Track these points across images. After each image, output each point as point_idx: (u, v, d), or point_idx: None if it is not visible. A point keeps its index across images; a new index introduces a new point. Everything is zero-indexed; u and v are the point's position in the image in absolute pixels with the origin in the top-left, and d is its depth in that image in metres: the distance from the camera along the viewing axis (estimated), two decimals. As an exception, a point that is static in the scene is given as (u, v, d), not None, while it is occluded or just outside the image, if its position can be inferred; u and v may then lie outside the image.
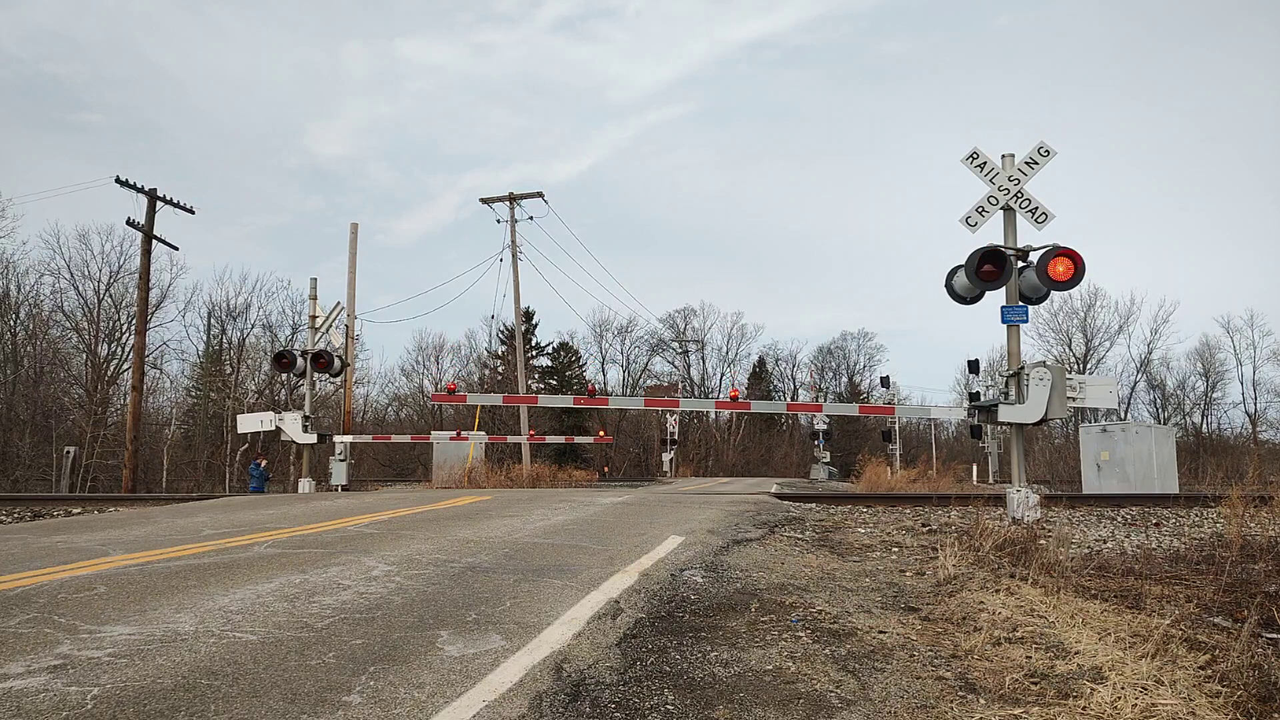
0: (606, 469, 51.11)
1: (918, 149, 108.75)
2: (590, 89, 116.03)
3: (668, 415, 52.01)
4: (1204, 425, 55.79)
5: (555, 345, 63.10)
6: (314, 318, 19.23)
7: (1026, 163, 11.00)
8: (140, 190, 26.31)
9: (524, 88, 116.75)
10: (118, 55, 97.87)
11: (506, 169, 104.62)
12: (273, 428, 18.65)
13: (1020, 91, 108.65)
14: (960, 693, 3.45)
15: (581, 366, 65.66)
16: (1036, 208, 10.94)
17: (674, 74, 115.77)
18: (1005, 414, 10.78)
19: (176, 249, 29.39)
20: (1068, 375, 10.83)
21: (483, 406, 43.55)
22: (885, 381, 47.66)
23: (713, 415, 68.70)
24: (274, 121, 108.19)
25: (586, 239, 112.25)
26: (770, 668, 3.73)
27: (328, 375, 20.83)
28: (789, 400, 76.80)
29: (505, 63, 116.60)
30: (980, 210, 11.06)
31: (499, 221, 31.18)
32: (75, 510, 12.38)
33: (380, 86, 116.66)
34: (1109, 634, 4.29)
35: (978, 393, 13.32)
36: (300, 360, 18.66)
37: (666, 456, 52.42)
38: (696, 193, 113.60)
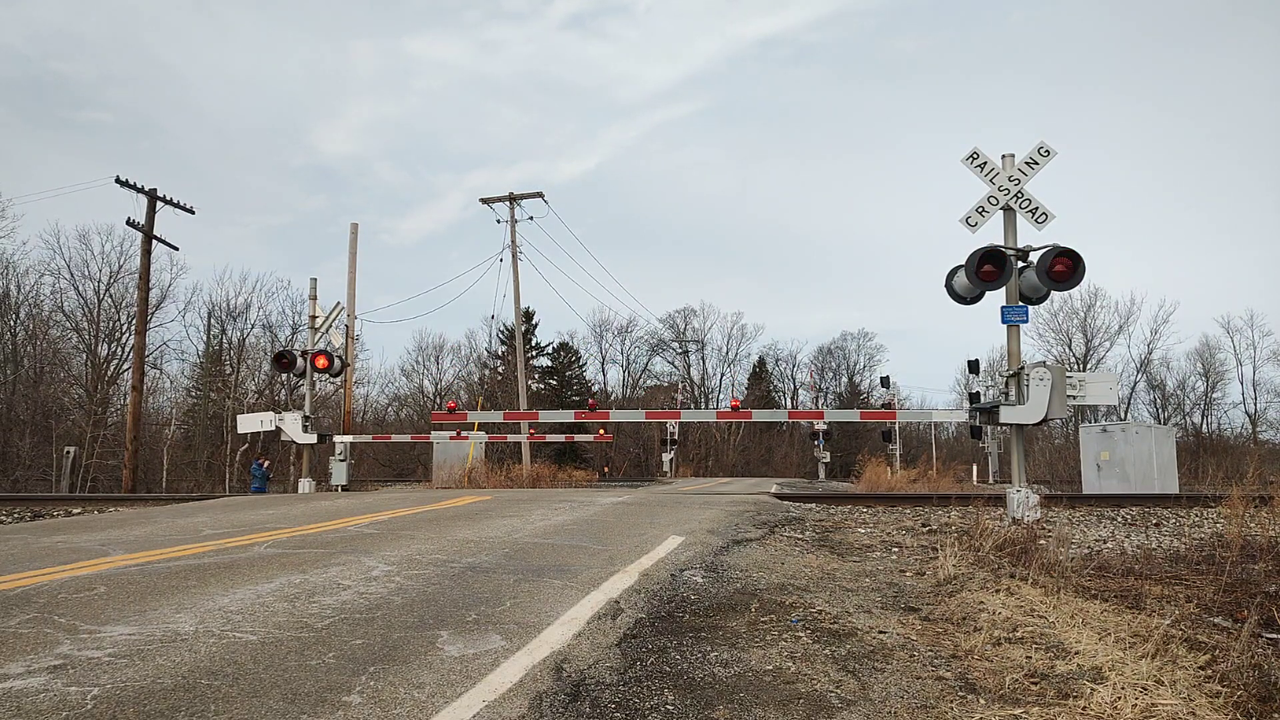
0: (606, 469, 51.12)
1: (921, 148, 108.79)
2: (599, 87, 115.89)
3: (668, 414, 52.09)
4: (1204, 425, 55.88)
5: (555, 345, 63.21)
6: (314, 318, 19.23)
7: (1027, 163, 11.00)
8: (140, 190, 26.32)
9: (532, 85, 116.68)
10: (123, 53, 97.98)
11: (512, 168, 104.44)
12: (273, 428, 18.65)
13: (1022, 91, 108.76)
14: (960, 693, 3.45)
15: (581, 367, 65.75)
16: (1037, 208, 10.94)
17: (683, 72, 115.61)
18: (1007, 415, 10.77)
19: (177, 249, 29.47)
20: (1068, 374, 10.83)
21: (483, 405, 43.56)
22: (885, 382, 47.67)
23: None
24: (279, 120, 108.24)
25: (590, 238, 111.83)
26: (770, 668, 3.73)
27: (328, 375, 20.82)
28: (789, 400, 77.09)
29: (513, 60, 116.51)
30: (980, 210, 11.06)
31: (499, 222, 31.24)
32: (75, 510, 12.38)
33: (387, 85, 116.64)
34: (1109, 634, 4.28)
35: (978, 393, 13.33)
36: (300, 360, 18.67)
37: (666, 457, 52.47)
38: (702, 192, 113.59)
